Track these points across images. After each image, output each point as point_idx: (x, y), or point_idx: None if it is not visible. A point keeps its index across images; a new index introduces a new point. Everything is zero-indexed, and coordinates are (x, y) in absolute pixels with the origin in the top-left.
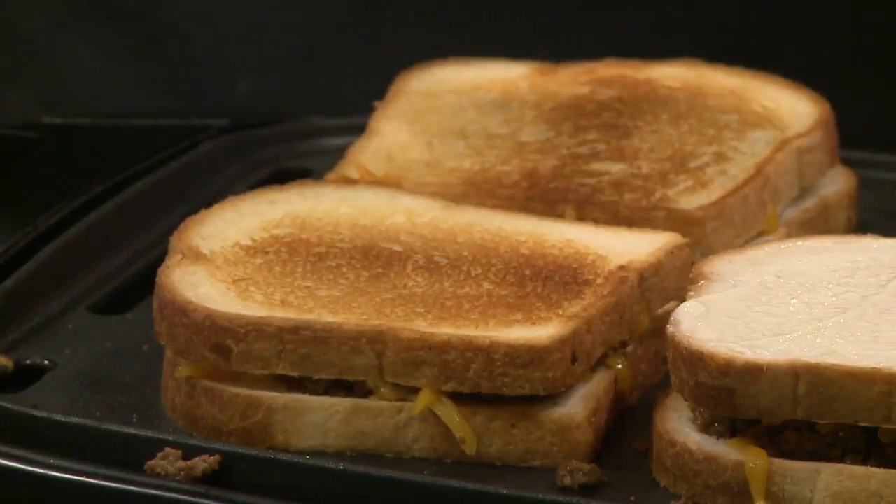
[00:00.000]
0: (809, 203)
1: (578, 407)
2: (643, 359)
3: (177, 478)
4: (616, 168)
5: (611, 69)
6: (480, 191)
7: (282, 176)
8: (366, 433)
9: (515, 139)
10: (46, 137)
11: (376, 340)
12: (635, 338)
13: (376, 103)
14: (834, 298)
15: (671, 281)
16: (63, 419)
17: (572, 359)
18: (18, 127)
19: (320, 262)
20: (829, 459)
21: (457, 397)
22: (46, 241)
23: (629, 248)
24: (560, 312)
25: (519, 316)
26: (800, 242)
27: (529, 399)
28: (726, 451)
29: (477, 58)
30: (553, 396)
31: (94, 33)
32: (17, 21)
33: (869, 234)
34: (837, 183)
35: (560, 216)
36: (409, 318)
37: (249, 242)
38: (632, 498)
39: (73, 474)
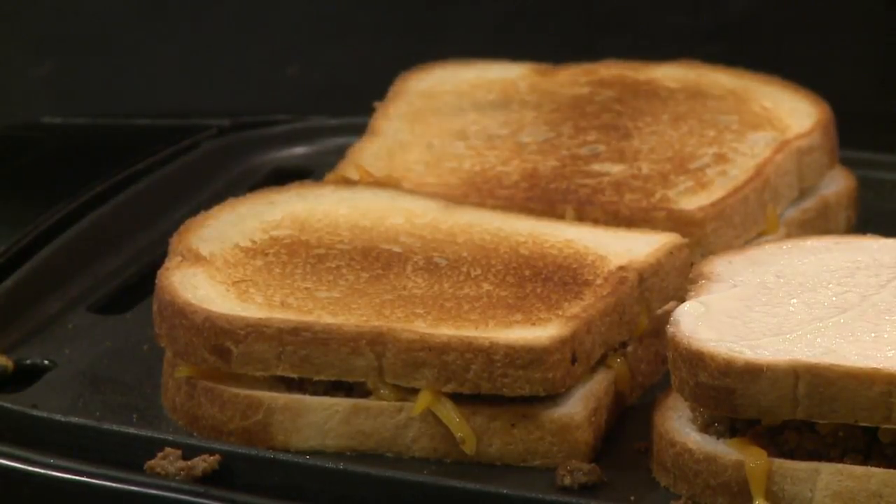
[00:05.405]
0: (809, 203)
1: (578, 407)
2: (643, 359)
3: (177, 478)
4: (616, 169)
5: (611, 69)
6: (480, 191)
7: (282, 176)
8: (366, 433)
9: (515, 140)
10: (46, 137)
11: (376, 342)
12: (635, 338)
13: (376, 103)
14: (834, 298)
15: (671, 281)
16: (63, 419)
17: (572, 359)
18: (18, 127)
19: (320, 264)
20: (829, 459)
21: (457, 397)
22: (46, 241)
23: (629, 248)
24: (560, 313)
25: (519, 317)
26: (800, 242)
27: (529, 399)
28: (726, 450)
29: (477, 58)
30: (553, 396)
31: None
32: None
33: (869, 234)
34: (837, 183)
35: (560, 217)
36: (409, 320)
37: (249, 244)
38: (632, 498)
39: (73, 474)
